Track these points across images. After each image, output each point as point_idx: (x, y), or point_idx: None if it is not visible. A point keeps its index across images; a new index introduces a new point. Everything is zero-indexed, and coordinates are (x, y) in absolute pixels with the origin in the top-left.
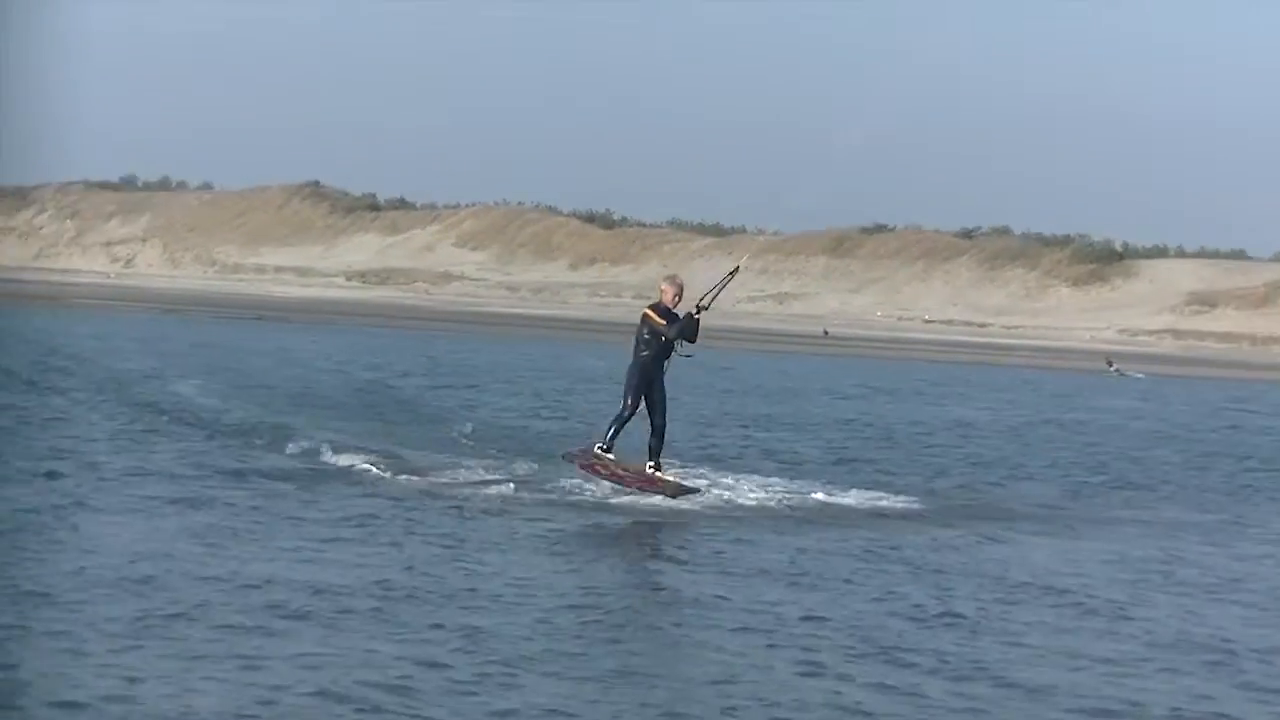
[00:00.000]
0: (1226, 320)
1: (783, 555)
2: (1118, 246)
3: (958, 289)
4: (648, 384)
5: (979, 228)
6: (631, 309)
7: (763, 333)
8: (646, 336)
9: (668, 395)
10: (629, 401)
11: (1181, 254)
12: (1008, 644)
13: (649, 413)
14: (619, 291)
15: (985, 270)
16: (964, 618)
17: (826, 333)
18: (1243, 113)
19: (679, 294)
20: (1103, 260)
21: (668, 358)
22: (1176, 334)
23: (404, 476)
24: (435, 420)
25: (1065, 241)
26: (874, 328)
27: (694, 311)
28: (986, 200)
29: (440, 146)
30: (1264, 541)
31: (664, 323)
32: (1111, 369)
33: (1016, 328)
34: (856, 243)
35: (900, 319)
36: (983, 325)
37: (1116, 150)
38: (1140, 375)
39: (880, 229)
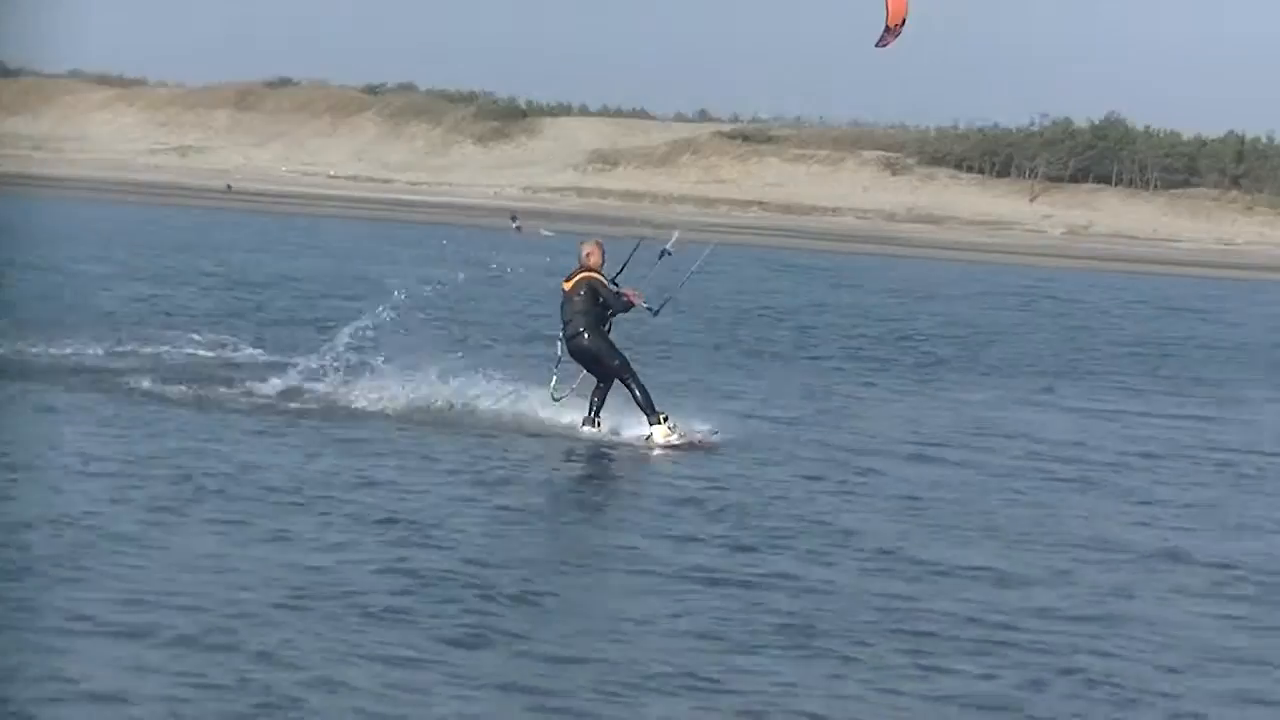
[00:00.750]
0: (628, 178)
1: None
2: (522, 104)
3: (363, 145)
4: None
5: (384, 84)
6: (32, 162)
7: (165, 186)
8: (591, 298)
9: None
10: (628, 368)
11: (585, 112)
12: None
13: (590, 364)
14: (15, 144)
15: (390, 126)
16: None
17: (230, 187)
18: None
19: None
20: (507, 118)
21: (609, 318)
22: (580, 191)
23: None
24: None
25: (470, 99)
26: (279, 182)
27: (642, 302)
28: (391, 57)
29: None
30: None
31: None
32: (514, 225)
33: (421, 184)
34: (261, 97)
35: (305, 174)
36: (388, 181)
37: (521, 7)
38: (549, 233)
39: (285, 83)
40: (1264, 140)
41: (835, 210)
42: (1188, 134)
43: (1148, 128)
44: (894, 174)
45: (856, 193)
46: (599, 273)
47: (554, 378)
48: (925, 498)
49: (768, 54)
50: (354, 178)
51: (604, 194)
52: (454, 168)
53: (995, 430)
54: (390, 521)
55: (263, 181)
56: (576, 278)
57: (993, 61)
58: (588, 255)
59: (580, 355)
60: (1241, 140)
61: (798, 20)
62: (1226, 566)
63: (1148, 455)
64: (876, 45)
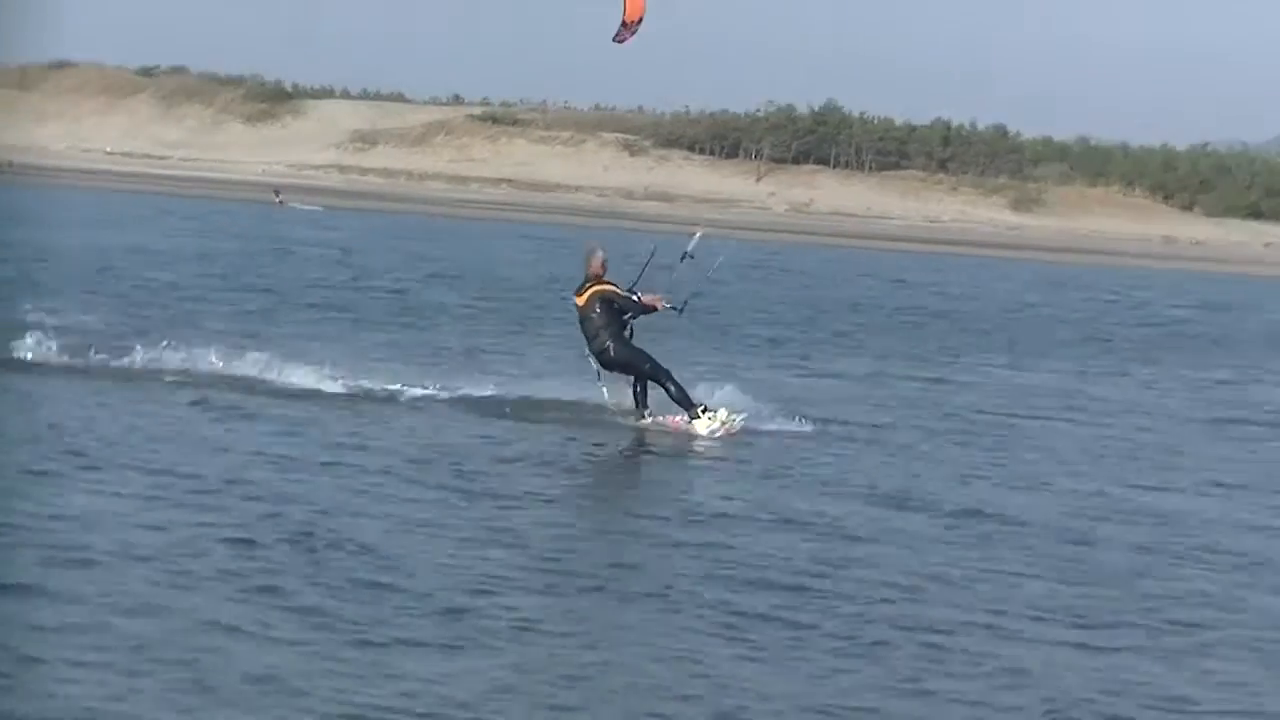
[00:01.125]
0: (386, 157)
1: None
2: (288, 87)
3: (138, 124)
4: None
5: (158, 66)
6: None
7: None
8: (608, 310)
9: None
10: (660, 369)
11: (346, 95)
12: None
13: (624, 371)
14: None
15: (165, 107)
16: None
17: (11, 164)
18: None
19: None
20: (274, 99)
21: (628, 323)
22: (342, 169)
23: None
24: None
25: (239, 81)
26: (57, 158)
27: (667, 304)
28: (165, 40)
29: None
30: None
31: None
32: (277, 199)
33: (194, 160)
34: (39, 77)
35: (82, 150)
36: (163, 158)
37: None
38: (318, 208)
39: (63, 65)
40: (967, 127)
41: (578, 188)
42: (899, 120)
43: (863, 114)
44: (632, 155)
45: (598, 172)
46: (608, 281)
47: (604, 390)
48: (712, 456)
49: (516, 42)
50: (129, 154)
51: (364, 171)
52: (224, 146)
53: (765, 395)
54: (241, 482)
55: (41, 158)
56: (588, 292)
57: (723, 51)
58: (601, 264)
59: (612, 367)
60: (948, 127)
61: (544, 11)
62: (1023, 524)
63: (906, 415)
64: (614, 40)
